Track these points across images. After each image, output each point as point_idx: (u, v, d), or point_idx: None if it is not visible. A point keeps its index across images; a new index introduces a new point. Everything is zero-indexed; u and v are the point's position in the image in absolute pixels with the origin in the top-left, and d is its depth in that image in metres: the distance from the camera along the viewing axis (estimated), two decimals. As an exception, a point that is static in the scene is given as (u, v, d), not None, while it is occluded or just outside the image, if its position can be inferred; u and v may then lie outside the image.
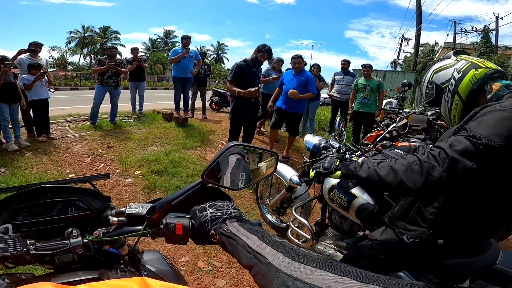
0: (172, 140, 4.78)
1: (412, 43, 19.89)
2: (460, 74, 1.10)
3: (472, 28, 18.77)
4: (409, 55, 25.57)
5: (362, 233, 1.50)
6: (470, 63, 1.10)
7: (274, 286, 0.37)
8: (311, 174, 1.36)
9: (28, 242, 0.56)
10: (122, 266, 0.65)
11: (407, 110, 5.27)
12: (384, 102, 5.88)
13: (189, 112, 6.18)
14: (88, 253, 0.60)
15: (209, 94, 7.91)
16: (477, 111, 0.95)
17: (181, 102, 6.11)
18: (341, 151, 1.60)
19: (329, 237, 1.65)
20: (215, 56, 48.88)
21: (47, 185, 0.64)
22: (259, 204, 2.68)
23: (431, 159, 0.88)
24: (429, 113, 3.28)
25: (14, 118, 3.95)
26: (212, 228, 0.53)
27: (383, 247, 1.15)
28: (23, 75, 4.16)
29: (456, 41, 20.41)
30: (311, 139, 1.89)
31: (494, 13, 16.83)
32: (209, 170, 0.63)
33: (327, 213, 1.72)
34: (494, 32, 17.24)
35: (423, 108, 3.87)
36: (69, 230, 0.60)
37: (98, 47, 37.51)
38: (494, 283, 1.10)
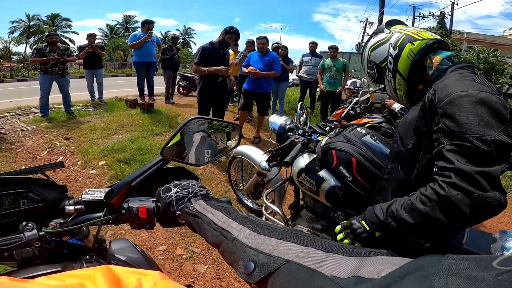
0: (138, 127, 4.54)
1: (375, 26, 20.28)
2: (396, 51, 1.03)
3: (430, 13, 19.62)
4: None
5: (336, 214, 1.50)
6: (404, 35, 1.03)
7: (240, 262, 0.36)
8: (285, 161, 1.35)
9: None
10: (87, 257, 0.62)
11: (371, 89, 5.53)
12: (349, 82, 6.09)
13: (154, 98, 5.91)
14: (48, 246, 0.57)
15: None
16: (431, 99, 0.87)
17: (145, 88, 5.80)
18: (306, 134, 1.57)
19: (305, 220, 1.63)
20: (182, 40, 46.76)
21: None
22: (234, 188, 2.65)
23: (454, 188, 0.72)
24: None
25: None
26: (178, 208, 0.52)
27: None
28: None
29: (415, 26, 21.31)
30: (276, 120, 1.83)
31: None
32: (169, 147, 0.61)
33: (300, 194, 1.70)
34: (449, 17, 18.12)
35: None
36: (24, 223, 0.56)
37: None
38: None
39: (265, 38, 4.12)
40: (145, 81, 5.67)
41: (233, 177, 2.63)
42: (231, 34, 3.32)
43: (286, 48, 5.77)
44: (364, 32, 28.06)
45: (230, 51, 5.02)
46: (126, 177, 0.59)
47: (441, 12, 18.55)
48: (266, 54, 4.12)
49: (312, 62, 5.90)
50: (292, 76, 7.19)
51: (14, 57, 33.57)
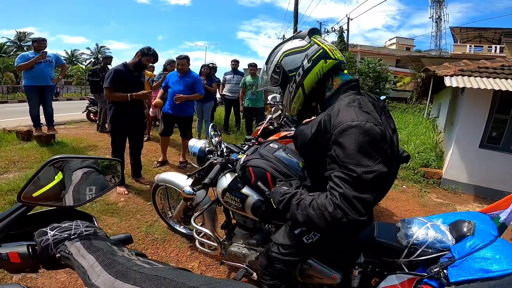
0: (35, 163, 3.78)
1: None
2: (309, 64, 1.04)
3: (332, 28, 22.74)
4: None
5: (268, 227, 1.52)
6: (322, 50, 1.04)
7: None
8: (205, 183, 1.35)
9: None
10: None
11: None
12: (270, 97, 6.45)
13: (54, 128, 4.89)
14: None
15: (84, 103, 6.74)
16: (326, 125, 0.95)
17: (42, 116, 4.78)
18: (224, 154, 1.59)
19: (239, 237, 1.63)
20: (93, 60, 42.25)
21: None
22: (163, 217, 2.47)
23: (337, 210, 0.86)
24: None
25: None
26: (57, 251, 0.51)
27: (288, 249, 1.18)
28: None
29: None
30: (196, 143, 1.82)
31: (346, 15, 20.77)
32: (42, 193, 0.60)
33: (230, 213, 1.69)
34: (346, 31, 21.25)
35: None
36: None
37: None
38: (381, 255, 1.22)
39: (186, 58, 3.84)
40: (40, 108, 4.66)
41: (160, 205, 2.44)
42: (148, 56, 3.06)
43: (209, 68, 5.68)
44: None
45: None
46: None
47: (340, 27, 21.66)
48: (187, 75, 3.85)
49: (234, 80, 6.04)
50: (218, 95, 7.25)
51: None
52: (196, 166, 1.82)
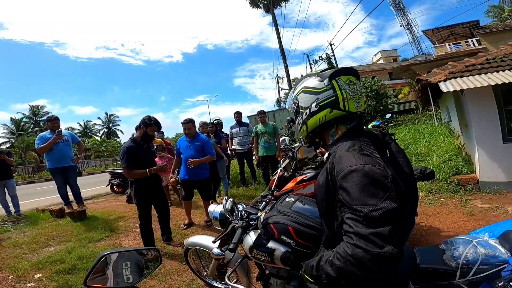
0: (72, 236, 4.04)
1: (285, 80, 22.86)
2: (316, 108, 1.08)
3: (319, 57, 23.49)
4: (287, 91, 28.42)
5: (300, 271, 1.60)
6: (333, 97, 1.05)
7: None
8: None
9: None
10: None
11: (296, 144, 5.95)
12: (281, 139, 6.49)
13: (83, 203, 5.14)
14: None
15: (106, 176, 7.12)
16: (331, 172, 0.99)
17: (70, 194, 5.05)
18: (243, 217, 1.68)
19: (276, 286, 1.65)
20: (106, 130, 43.19)
21: None
22: (198, 276, 2.54)
23: (356, 247, 0.85)
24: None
25: None
26: None
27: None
28: None
29: (313, 70, 25.18)
30: (216, 208, 1.91)
31: (328, 41, 21.65)
32: (91, 277, 0.71)
33: (262, 265, 1.73)
34: (333, 57, 21.82)
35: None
36: None
37: None
38: (431, 280, 1.18)
39: (191, 121, 3.90)
40: (67, 187, 4.93)
41: (194, 265, 2.54)
42: (152, 126, 3.21)
43: (214, 125, 5.75)
44: (278, 87, 30.63)
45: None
46: None
47: (327, 55, 22.30)
48: (195, 138, 3.92)
49: (241, 132, 6.06)
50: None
51: None
52: (219, 228, 1.92)
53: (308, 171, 2.92)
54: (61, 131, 4.62)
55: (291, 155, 3.95)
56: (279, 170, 3.10)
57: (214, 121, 6.14)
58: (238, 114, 6.21)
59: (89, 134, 40.82)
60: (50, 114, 5.03)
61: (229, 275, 1.68)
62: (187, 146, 3.94)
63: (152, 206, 3.39)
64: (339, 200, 0.96)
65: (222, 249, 1.52)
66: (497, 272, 1.07)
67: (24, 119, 34.36)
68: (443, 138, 6.19)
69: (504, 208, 3.51)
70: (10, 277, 2.87)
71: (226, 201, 1.70)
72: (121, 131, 45.32)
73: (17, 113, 39.41)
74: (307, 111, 1.11)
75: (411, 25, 36.80)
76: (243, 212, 1.71)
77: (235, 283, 1.78)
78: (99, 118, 45.04)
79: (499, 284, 1.03)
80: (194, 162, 3.75)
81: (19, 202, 5.50)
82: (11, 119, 33.53)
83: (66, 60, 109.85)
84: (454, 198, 4.06)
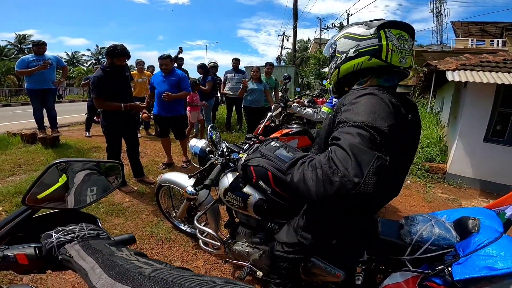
0: (41, 165, 3.83)
1: (291, 40, 22.30)
2: (353, 54, 1.03)
3: (332, 24, 22.61)
4: (289, 51, 28.72)
5: (271, 225, 1.53)
6: (377, 46, 0.99)
7: None
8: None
9: None
10: None
11: (295, 105, 6.00)
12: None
13: (58, 130, 4.94)
14: None
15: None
16: (344, 99, 0.97)
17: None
18: (224, 154, 1.60)
19: (243, 236, 1.64)
20: (94, 61, 41.30)
21: None
22: (167, 216, 2.48)
23: (330, 162, 0.79)
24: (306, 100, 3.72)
25: None
26: (60, 253, 0.52)
27: (291, 247, 1.19)
28: None
29: (322, 37, 24.30)
30: (197, 143, 1.83)
31: (346, 11, 20.71)
32: (47, 195, 0.61)
33: (233, 212, 1.69)
34: None
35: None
36: None
37: None
38: (386, 252, 1.22)
39: (168, 57, 3.73)
40: (44, 111, 4.72)
41: (164, 205, 2.46)
42: (118, 56, 2.91)
43: (204, 67, 5.68)
44: (282, 45, 30.53)
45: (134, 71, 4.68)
46: None
47: (340, 23, 21.48)
48: (171, 74, 3.75)
49: (235, 78, 5.97)
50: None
51: None
52: (197, 166, 1.82)
53: (295, 125, 2.79)
54: (48, 61, 4.33)
55: (283, 105, 3.77)
56: (267, 118, 2.93)
57: (210, 64, 6.14)
58: (236, 61, 6.13)
59: (76, 63, 40.12)
60: (33, 40, 4.61)
61: (198, 216, 1.66)
62: (161, 81, 3.76)
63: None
64: (336, 124, 0.90)
65: (197, 188, 1.41)
66: (441, 256, 1.09)
67: (8, 46, 33.87)
68: (429, 126, 6.43)
69: (459, 201, 3.73)
70: None
71: (211, 131, 1.61)
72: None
73: (2, 40, 38.71)
74: (343, 56, 1.06)
75: (441, 14, 34.36)
76: (225, 148, 1.62)
77: (203, 226, 1.73)
78: (89, 49, 44.23)
79: (438, 267, 1.04)
80: (169, 96, 3.58)
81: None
82: None
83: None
84: (419, 183, 4.27)
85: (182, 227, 2.42)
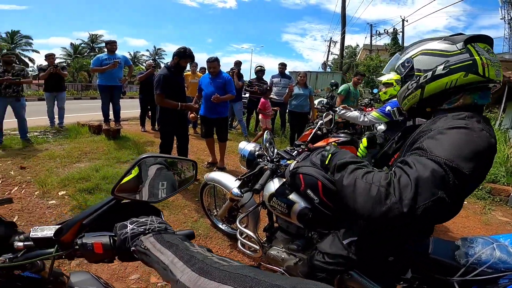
0: (103, 154, 4.30)
1: (339, 45, 21.75)
2: (443, 71, 0.94)
3: (384, 30, 21.39)
4: (336, 56, 28.06)
5: (310, 233, 1.52)
6: (471, 61, 0.91)
7: None
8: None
9: None
10: None
11: (340, 108, 5.82)
12: (316, 101, 6.27)
13: (120, 123, 5.58)
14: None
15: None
16: (433, 123, 0.92)
17: (111, 113, 5.49)
18: (274, 160, 1.61)
19: (280, 241, 1.65)
20: (151, 61, 46.30)
21: None
22: (208, 214, 2.60)
23: (390, 186, 0.77)
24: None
25: None
26: (133, 244, 0.53)
27: (333, 259, 1.18)
28: None
29: (373, 43, 23.17)
30: (246, 146, 1.86)
31: (401, 16, 19.41)
32: (121, 185, 0.63)
33: (274, 217, 1.72)
34: (401, 33, 19.84)
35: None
36: None
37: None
38: (433, 272, 1.15)
39: (216, 60, 3.82)
40: (110, 105, 5.36)
41: (206, 203, 2.58)
42: (186, 58, 3.18)
43: (237, 67, 5.92)
44: (329, 50, 29.84)
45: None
46: (77, 214, 0.60)
47: (394, 29, 20.21)
48: (218, 76, 3.85)
49: (281, 83, 6.01)
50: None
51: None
52: (244, 168, 1.88)
53: (342, 134, 2.73)
54: (117, 61, 4.99)
55: (332, 112, 3.69)
56: (316, 126, 2.91)
57: (257, 67, 6.32)
58: (282, 65, 6.15)
59: (137, 63, 43.85)
60: (106, 40, 5.42)
61: (241, 218, 1.71)
62: (209, 83, 3.89)
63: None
64: (415, 147, 0.85)
65: (242, 190, 1.46)
66: (495, 279, 1.02)
67: (82, 45, 38.05)
68: (497, 143, 5.72)
69: (520, 227, 3.30)
70: (36, 193, 3.04)
71: (267, 135, 1.63)
72: (154, 64, 48.53)
73: (77, 39, 43.38)
74: (429, 74, 0.98)
75: (515, 21, 30.51)
76: (276, 154, 1.64)
77: (244, 227, 1.78)
78: (147, 50, 48.53)
79: None
80: (218, 98, 3.71)
81: (64, 115, 5.92)
82: (71, 44, 37.54)
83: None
84: (478, 204, 3.88)
85: (220, 226, 2.51)
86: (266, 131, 1.69)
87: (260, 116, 5.16)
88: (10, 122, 4.80)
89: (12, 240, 0.63)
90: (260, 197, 1.68)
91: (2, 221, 0.65)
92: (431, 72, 0.97)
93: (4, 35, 33.29)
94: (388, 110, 2.47)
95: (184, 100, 3.37)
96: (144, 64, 44.39)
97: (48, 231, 0.60)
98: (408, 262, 1.19)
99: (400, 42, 19.39)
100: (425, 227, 0.85)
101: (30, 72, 5.09)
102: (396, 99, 1.87)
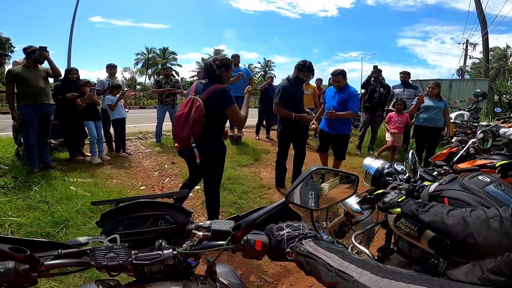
0: (228, 157, 4.95)
1: (479, 48, 17.69)
2: None
3: None
4: (477, 61, 23.09)
5: (437, 261, 1.36)
6: None
7: None
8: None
9: (132, 252, 0.59)
10: (201, 278, 0.67)
11: (484, 123, 4.63)
12: (454, 114, 5.30)
13: (242, 130, 6.33)
14: (174, 264, 0.62)
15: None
16: None
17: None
18: (411, 180, 1.46)
19: (394, 264, 1.53)
20: (263, 73, 49.85)
21: (142, 200, 0.71)
22: (315, 226, 2.62)
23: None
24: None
25: (98, 134, 4.54)
26: (288, 246, 0.57)
27: None
28: (107, 96, 4.79)
29: None
30: (372, 163, 1.78)
31: None
32: (293, 192, 0.66)
33: (392, 238, 1.61)
34: None
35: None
36: (159, 241, 0.64)
37: (160, 67, 39.70)
38: None
39: (341, 73, 3.66)
40: None
41: (316, 214, 2.60)
42: (304, 72, 3.30)
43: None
44: (466, 54, 24.65)
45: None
46: (253, 214, 0.64)
47: None
48: (342, 90, 3.69)
49: (405, 94, 5.49)
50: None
51: (138, 86, 38.23)
52: (366, 184, 1.82)
53: (496, 156, 2.23)
54: (241, 73, 5.56)
55: (492, 130, 3.07)
56: (468, 144, 2.52)
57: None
58: (404, 74, 5.61)
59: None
60: (232, 54, 6.26)
61: (357, 234, 1.68)
62: (332, 96, 3.82)
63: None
64: None
65: (363, 207, 1.45)
66: None
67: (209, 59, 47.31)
68: None
69: None
70: (179, 185, 3.52)
71: (412, 156, 1.52)
72: (274, 76, 52.08)
73: (206, 54, 53.15)
74: None
75: None
76: (418, 176, 1.51)
77: (358, 243, 1.72)
78: (259, 62, 53.86)
79: None
80: (332, 114, 3.61)
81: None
82: (202, 58, 45.50)
83: (238, 12, 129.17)
84: None
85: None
86: (411, 151, 1.54)
87: (387, 133, 4.79)
88: (167, 125, 6.12)
89: (188, 228, 0.70)
90: (379, 215, 1.60)
91: (183, 209, 0.73)
92: None
93: (158, 51, 42.78)
94: None
95: (301, 111, 3.49)
96: (256, 76, 49.11)
97: (225, 225, 0.66)
98: None
99: None
100: None
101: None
102: None
